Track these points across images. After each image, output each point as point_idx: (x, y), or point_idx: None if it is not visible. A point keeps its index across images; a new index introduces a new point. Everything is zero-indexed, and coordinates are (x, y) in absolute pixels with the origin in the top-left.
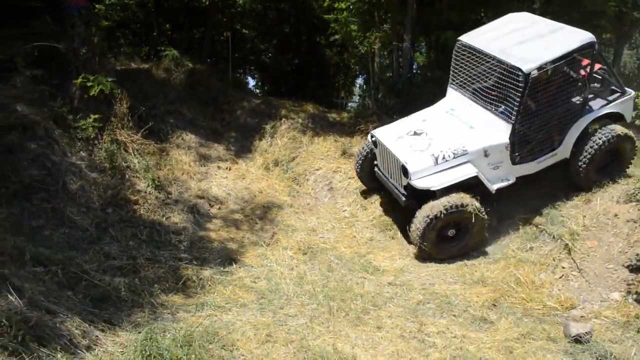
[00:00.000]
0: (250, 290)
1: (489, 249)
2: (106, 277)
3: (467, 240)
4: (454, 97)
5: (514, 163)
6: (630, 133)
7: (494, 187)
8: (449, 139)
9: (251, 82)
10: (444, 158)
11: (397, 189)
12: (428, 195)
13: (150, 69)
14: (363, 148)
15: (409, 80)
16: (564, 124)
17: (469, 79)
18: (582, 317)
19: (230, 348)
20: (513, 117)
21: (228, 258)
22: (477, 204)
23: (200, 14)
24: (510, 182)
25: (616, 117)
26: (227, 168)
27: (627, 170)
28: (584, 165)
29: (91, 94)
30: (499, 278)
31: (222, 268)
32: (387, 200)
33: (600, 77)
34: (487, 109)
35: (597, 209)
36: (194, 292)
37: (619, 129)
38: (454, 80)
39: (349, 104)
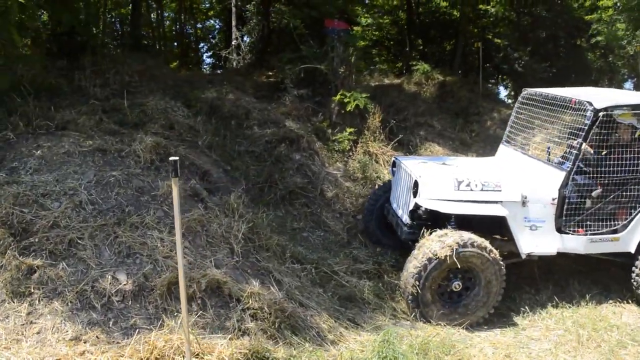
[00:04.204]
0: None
1: None
2: (353, 279)
3: (477, 300)
4: (502, 152)
5: (558, 229)
6: None
7: (524, 250)
8: (482, 172)
9: (503, 92)
10: (468, 185)
11: (401, 219)
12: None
13: (401, 84)
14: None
15: None
16: (634, 201)
17: (528, 129)
18: None
19: None
20: (569, 163)
21: None
22: (496, 251)
23: (452, 27)
24: (549, 253)
25: None
26: None
27: None
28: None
29: (348, 110)
30: None
31: None
32: None
33: None
34: (539, 160)
35: None
36: None
37: None
38: (509, 136)
39: None
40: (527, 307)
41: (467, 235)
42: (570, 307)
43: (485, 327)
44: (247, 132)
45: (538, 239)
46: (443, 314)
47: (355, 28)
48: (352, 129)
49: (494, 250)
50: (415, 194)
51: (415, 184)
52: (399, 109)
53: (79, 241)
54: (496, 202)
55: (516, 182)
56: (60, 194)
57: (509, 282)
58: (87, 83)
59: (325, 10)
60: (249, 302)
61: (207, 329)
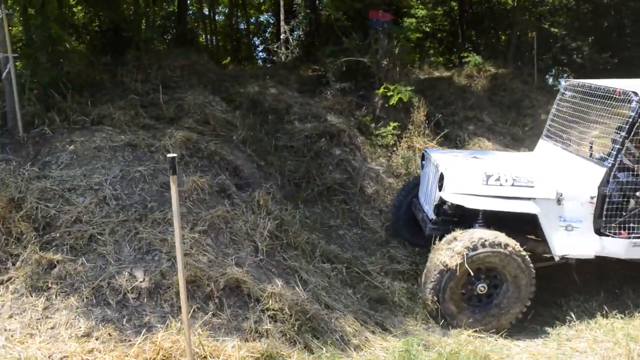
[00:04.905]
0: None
1: None
2: (386, 280)
3: (508, 296)
4: (541, 146)
5: (597, 231)
6: None
7: (558, 252)
8: (514, 167)
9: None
10: (498, 180)
11: (427, 214)
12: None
13: (452, 77)
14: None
15: None
16: None
17: (569, 122)
18: None
19: None
20: (611, 159)
21: None
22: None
23: (506, 17)
24: (586, 256)
25: None
26: None
27: None
28: None
29: (391, 103)
30: None
31: None
32: None
33: None
34: (579, 155)
35: None
36: None
37: None
38: (549, 130)
39: None
40: (574, 316)
41: (477, 235)
42: (622, 317)
43: (526, 337)
44: (287, 126)
45: (574, 241)
46: (475, 321)
47: (407, 20)
48: (396, 123)
49: (511, 244)
50: (440, 188)
51: (441, 177)
52: (448, 102)
53: (100, 237)
54: (528, 198)
55: (551, 178)
56: (86, 189)
57: (555, 288)
58: (129, 78)
59: (370, 1)
60: (268, 302)
61: (222, 329)
